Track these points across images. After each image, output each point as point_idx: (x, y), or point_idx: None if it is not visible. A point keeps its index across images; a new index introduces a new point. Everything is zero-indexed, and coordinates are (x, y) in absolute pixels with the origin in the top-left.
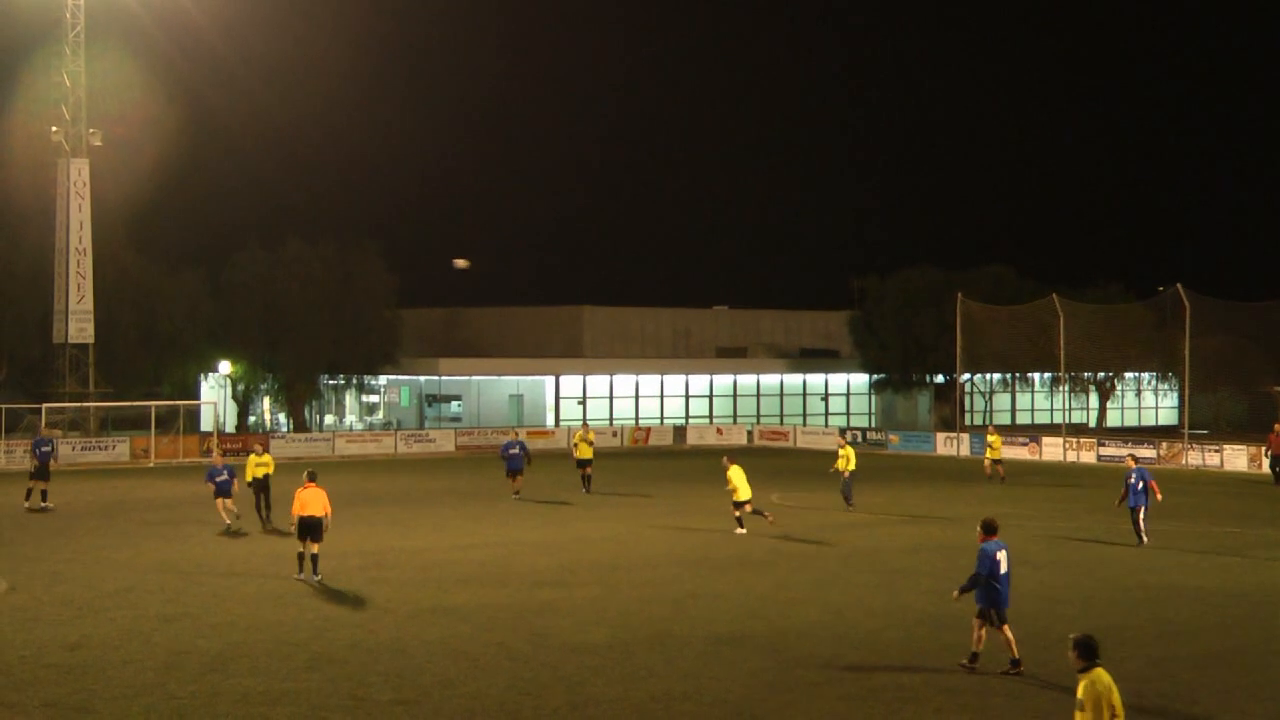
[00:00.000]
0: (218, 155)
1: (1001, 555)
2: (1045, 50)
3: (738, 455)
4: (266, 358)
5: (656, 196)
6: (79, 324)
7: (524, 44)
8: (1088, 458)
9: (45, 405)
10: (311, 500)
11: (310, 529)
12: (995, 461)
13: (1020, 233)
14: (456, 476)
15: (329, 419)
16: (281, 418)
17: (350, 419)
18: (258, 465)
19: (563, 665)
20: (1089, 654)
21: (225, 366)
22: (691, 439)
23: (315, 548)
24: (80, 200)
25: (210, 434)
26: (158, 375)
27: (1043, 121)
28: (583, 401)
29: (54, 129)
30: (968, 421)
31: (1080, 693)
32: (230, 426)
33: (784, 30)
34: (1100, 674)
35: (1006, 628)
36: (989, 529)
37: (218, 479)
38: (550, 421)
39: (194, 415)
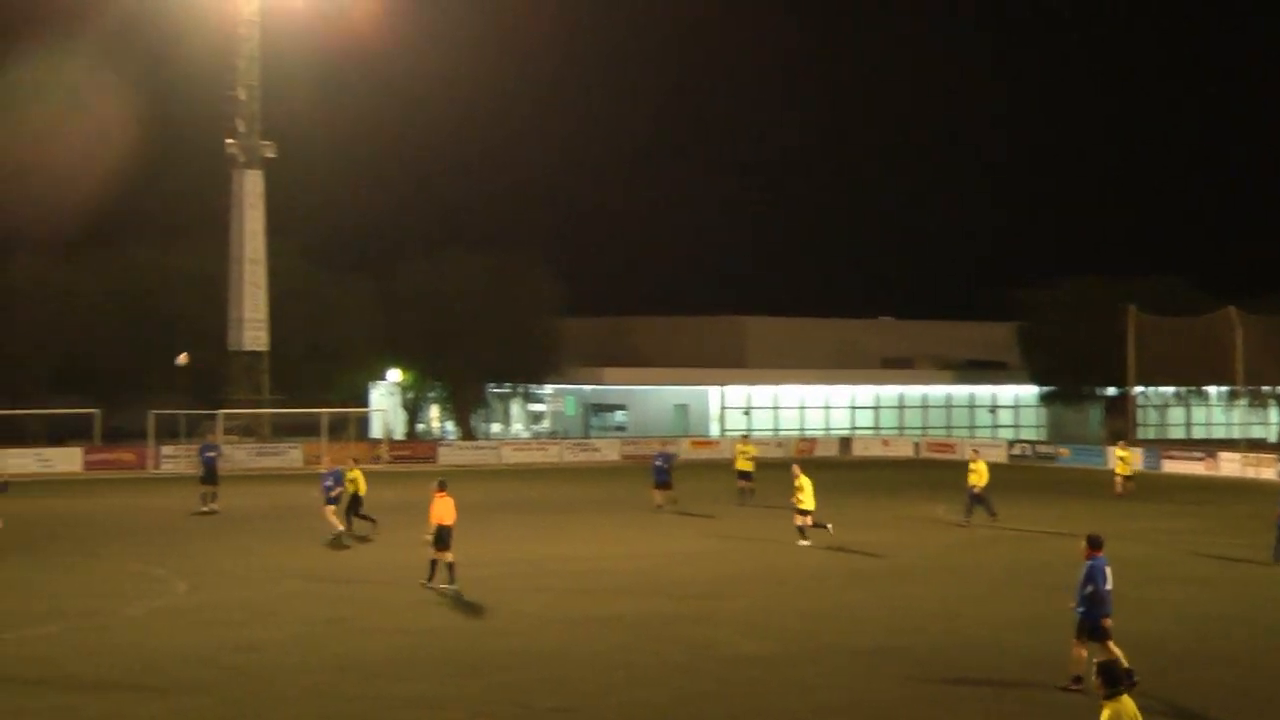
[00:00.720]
0: (385, 164)
1: (1107, 571)
2: (1212, 50)
3: (807, 466)
4: (433, 366)
5: (820, 205)
6: (253, 332)
7: (686, 53)
8: (1267, 474)
9: (221, 411)
10: (448, 509)
11: (447, 537)
12: (1126, 478)
13: (1191, 241)
14: (618, 486)
15: (495, 427)
16: (449, 426)
17: (516, 427)
18: (348, 480)
19: (723, 676)
20: (1113, 681)
21: (395, 374)
22: (857, 450)
23: (450, 556)
24: (254, 210)
25: (380, 441)
26: (328, 382)
27: (1214, 125)
28: (747, 412)
29: (229, 141)
30: (1140, 435)
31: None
32: (400, 434)
33: (945, 32)
34: (1126, 702)
35: (1096, 646)
36: (1095, 544)
37: (324, 484)
38: (715, 431)
39: (364, 422)
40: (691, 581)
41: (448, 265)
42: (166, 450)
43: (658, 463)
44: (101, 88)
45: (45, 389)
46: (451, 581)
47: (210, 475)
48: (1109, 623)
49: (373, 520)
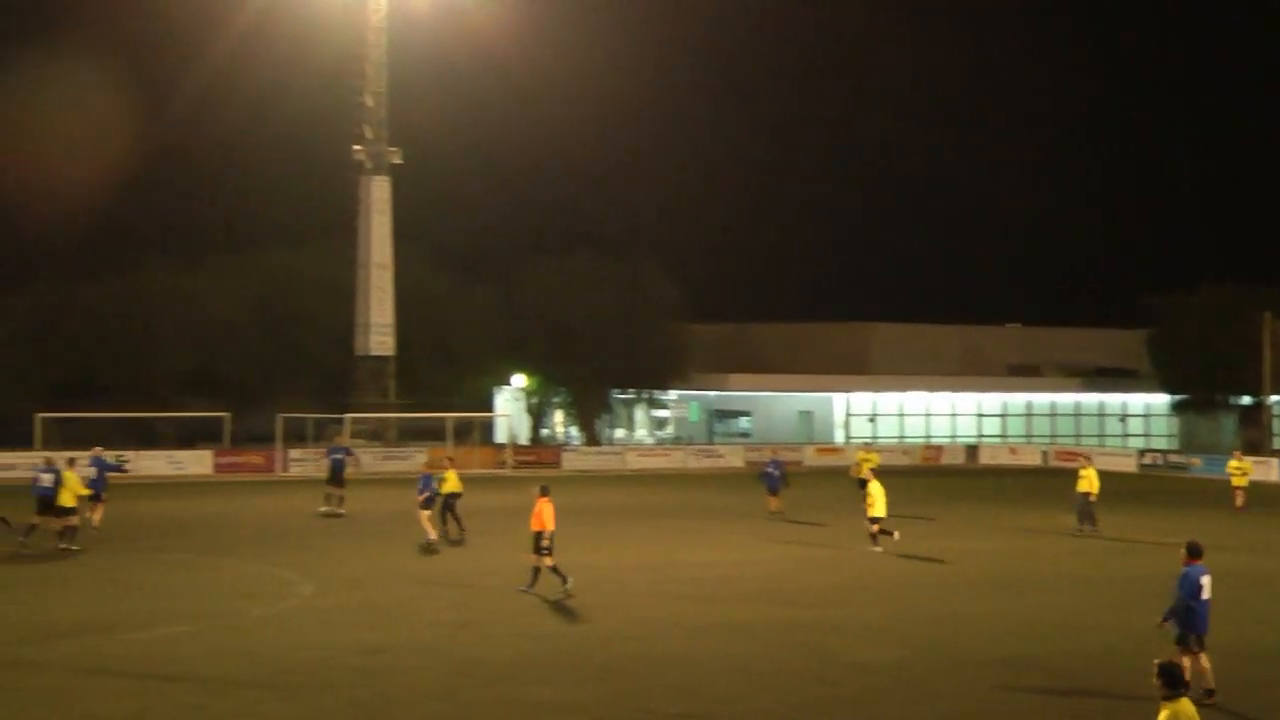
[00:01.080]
0: (509, 169)
1: (1205, 580)
2: None
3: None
4: (558, 371)
5: (946, 210)
6: (379, 336)
7: (812, 62)
8: None
9: (348, 415)
10: (551, 514)
11: (550, 542)
12: (1241, 489)
13: None
14: (741, 492)
15: (619, 433)
16: (574, 431)
17: (640, 433)
18: (438, 481)
19: (849, 684)
20: (1174, 682)
21: (519, 380)
22: (984, 458)
23: (550, 560)
24: (381, 216)
25: (505, 445)
26: (454, 387)
27: None
28: (873, 419)
29: (356, 148)
30: (1276, 445)
31: None
32: (524, 439)
33: (1075, 35)
34: (1185, 704)
35: (1204, 655)
36: (1194, 552)
37: (419, 488)
38: (839, 438)
39: (488, 427)
40: (813, 588)
41: (572, 270)
42: (294, 454)
43: (769, 469)
44: (231, 96)
45: (177, 392)
46: (565, 582)
47: (336, 477)
48: (1167, 625)
49: (461, 527)
